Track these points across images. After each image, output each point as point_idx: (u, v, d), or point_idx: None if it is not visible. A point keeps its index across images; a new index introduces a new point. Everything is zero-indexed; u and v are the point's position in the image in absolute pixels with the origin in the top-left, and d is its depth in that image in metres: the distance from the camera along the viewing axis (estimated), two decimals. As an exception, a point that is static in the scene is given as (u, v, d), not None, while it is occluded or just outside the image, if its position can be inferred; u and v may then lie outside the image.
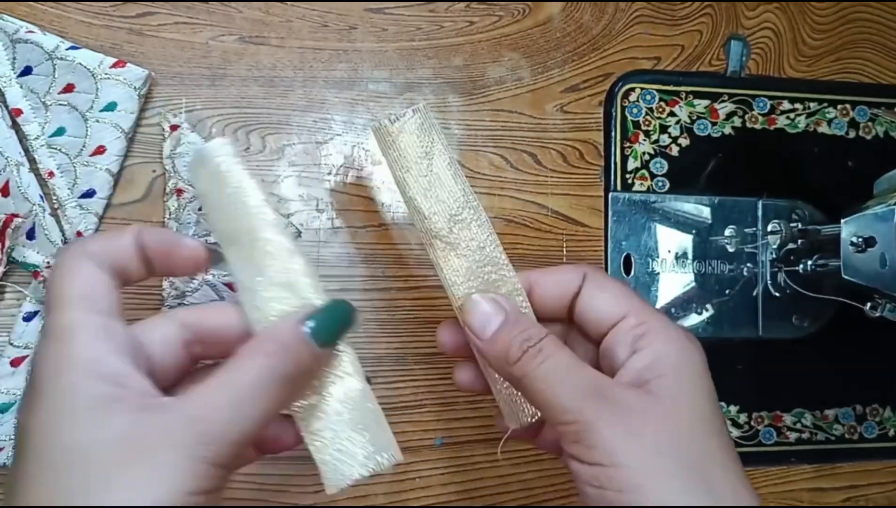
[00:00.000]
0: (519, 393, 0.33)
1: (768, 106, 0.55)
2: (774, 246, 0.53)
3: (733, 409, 0.52)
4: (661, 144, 0.53)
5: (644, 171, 0.52)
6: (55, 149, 0.43)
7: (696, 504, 0.26)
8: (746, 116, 0.54)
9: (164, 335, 0.29)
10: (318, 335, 0.29)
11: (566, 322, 0.35)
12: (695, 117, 0.54)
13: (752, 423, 0.53)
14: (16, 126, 0.43)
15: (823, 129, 0.56)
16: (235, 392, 0.26)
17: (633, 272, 0.52)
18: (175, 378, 0.30)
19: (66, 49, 0.43)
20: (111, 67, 0.44)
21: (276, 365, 0.27)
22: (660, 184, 0.53)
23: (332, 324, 0.30)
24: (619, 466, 0.26)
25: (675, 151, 0.53)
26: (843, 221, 0.47)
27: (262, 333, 0.29)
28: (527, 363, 0.30)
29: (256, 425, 0.27)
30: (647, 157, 0.53)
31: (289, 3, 0.48)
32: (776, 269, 0.53)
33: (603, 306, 0.32)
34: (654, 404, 0.28)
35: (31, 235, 0.43)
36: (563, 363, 0.30)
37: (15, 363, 0.42)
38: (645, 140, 0.53)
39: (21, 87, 0.43)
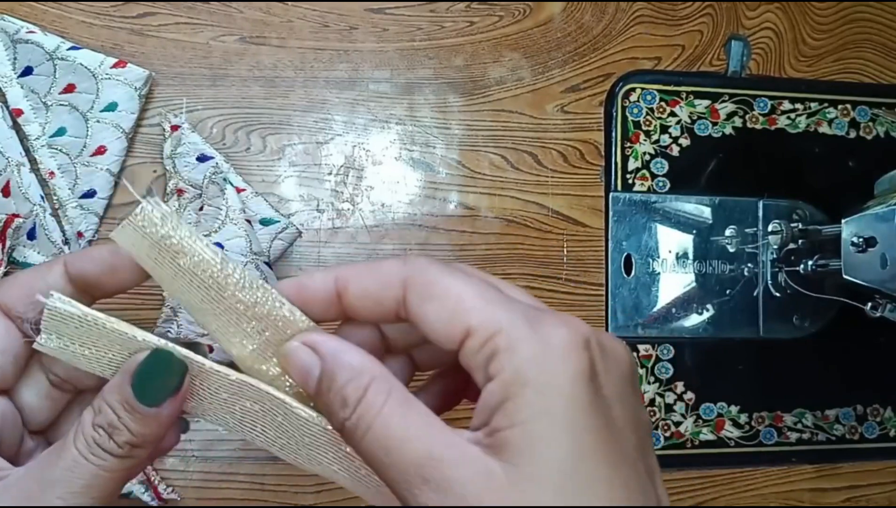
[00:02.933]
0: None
1: (769, 106, 0.55)
2: (775, 246, 0.53)
3: (734, 409, 0.52)
4: (662, 144, 0.53)
5: (645, 171, 0.52)
6: (56, 149, 0.43)
7: None
8: (747, 117, 0.54)
9: (34, 386, 0.28)
10: (146, 398, 0.25)
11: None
12: (695, 117, 0.54)
13: (753, 423, 0.53)
14: (16, 126, 0.43)
15: (824, 129, 0.55)
16: (66, 467, 0.25)
17: (633, 272, 0.52)
18: (49, 415, 0.28)
19: (67, 49, 0.43)
20: (112, 68, 0.44)
21: (103, 441, 0.25)
22: (660, 184, 0.53)
23: (157, 382, 0.25)
24: None
25: (675, 151, 0.53)
26: (843, 221, 0.47)
27: (98, 396, 0.26)
28: (353, 431, 0.23)
29: (97, 497, 0.25)
30: (647, 157, 0.53)
31: (289, 3, 0.48)
32: (777, 269, 0.53)
33: (435, 323, 0.23)
34: (497, 487, 0.21)
35: (31, 235, 0.43)
36: (390, 427, 0.23)
37: (16, 363, 0.42)
38: (645, 140, 0.53)
39: (22, 87, 0.43)
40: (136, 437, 0.25)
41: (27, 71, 0.43)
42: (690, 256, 0.53)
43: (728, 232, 0.53)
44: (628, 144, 0.52)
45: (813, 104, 0.55)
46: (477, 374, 0.23)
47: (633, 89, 0.53)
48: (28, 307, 0.26)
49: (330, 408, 0.24)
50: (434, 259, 0.25)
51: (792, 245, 0.53)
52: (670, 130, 0.53)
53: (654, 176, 0.53)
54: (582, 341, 0.22)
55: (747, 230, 0.53)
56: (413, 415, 0.23)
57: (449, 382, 0.28)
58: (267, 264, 0.44)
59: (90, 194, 0.44)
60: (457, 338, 0.23)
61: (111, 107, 0.44)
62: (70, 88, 0.43)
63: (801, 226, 0.52)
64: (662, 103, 0.53)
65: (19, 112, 0.43)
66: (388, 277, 0.25)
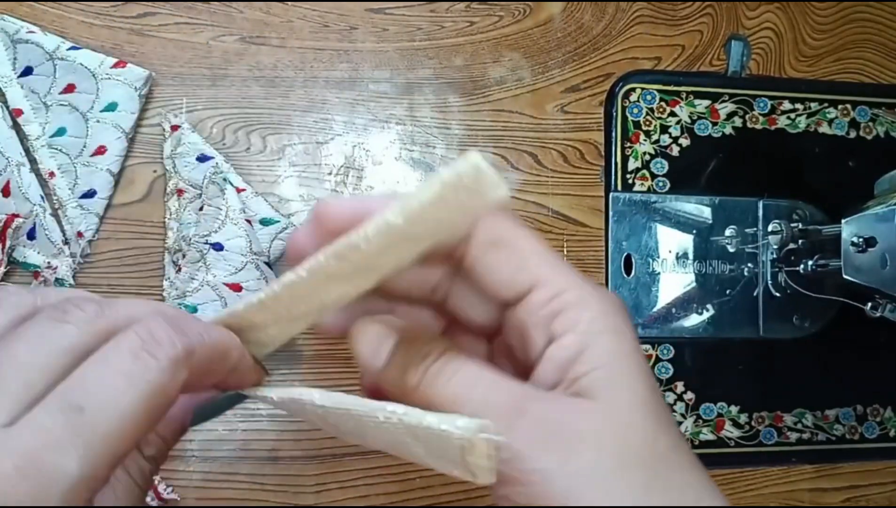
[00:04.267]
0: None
1: (769, 106, 0.55)
2: (775, 246, 0.53)
3: (734, 409, 0.52)
4: (662, 144, 0.53)
5: (645, 171, 0.52)
6: (56, 149, 0.43)
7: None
8: (747, 117, 0.54)
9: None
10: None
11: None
12: (695, 117, 0.54)
13: (753, 423, 0.53)
14: (16, 126, 0.43)
15: (824, 129, 0.55)
16: None
17: (633, 272, 0.52)
18: None
19: (67, 49, 0.43)
20: (112, 68, 0.44)
21: None
22: (660, 184, 0.53)
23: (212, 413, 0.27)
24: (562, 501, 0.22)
25: (675, 151, 0.53)
26: (843, 221, 0.47)
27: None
28: (430, 386, 0.24)
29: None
30: (647, 157, 0.53)
31: (290, 3, 0.48)
32: (777, 269, 0.53)
33: (501, 273, 0.24)
34: (590, 413, 0.22)
35: (31, 235, 0.43)
36: (472, 378, 0.23)
37: (16, 363, 0.42)
38: (645, 140, 0.53)
39: (22, 87, 0.43)
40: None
41: (27, 71, 0.43)
42: (690, 256, 0.53)
43: (728, 232, 0.53)
44: (628, 144, 0.52)
45: (813, 104, 0.55)
46: (535, 331, 0.24)
47: (633, 89, 0.53)
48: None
49: (404, 371, 0.24)
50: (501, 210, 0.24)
51: (792, 245, 0.53)
52: (670, 130, 0.53)
53: (654, 176, 0.53)
54: (623, 303, 0.25)
55: (747, 230, 0.53)
56: (495, 370, 0.24)
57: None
58: (267, 263, 0.44)
59: (90, 194, 0.44)
60: (522, 290, 0.24)
61: (111, 107, 0.44)
62: (70, 88, 0.43)
63: (801, 226, 0.52)
64: (662, 103, 0.53)
65: (19, 112, 0.43)
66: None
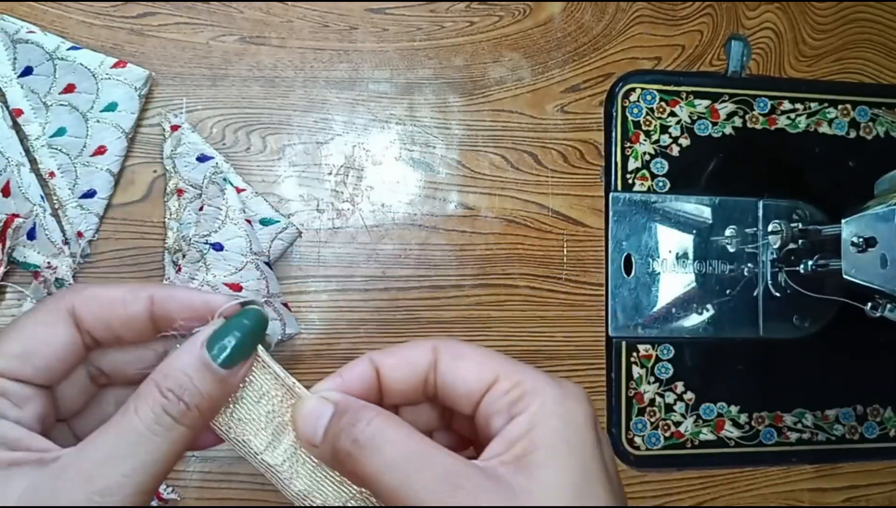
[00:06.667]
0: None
1: (769, 106, 0.55)
2: (775, 246, 0.53)
3: (734, 409, 0.52)
4: (662, 144, 0.53)
5: (645, 171, 0.52)
6: (56, 149, 0.43)
7: None
8: (747, 117, 0.54)
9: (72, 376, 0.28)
10: (221, 358, 0.26)
11: (431, 406, 0.30)
12: (695, 117, 0.54)
13: (753, 423, 0.53)
14: (16, 126, 0.43)
15: (824, 129, 0.55)
16: (129, 442, 0.25)
17: (633, 272, 0.52)
18: (80, 406, 0.29)
19: (67, 49, 0.43)
20: (112, 68, 0.44)
21: (172, 406, 0.25)
22: (660, 184, 0.53)
23: (235, 342, 0.26)
24: None
25: (675, 151, 0.53)
26: (843, 221, 0.47)
27: (160, 368, 0.26)
28: (360, 456, 0.25)
29: (158, 472, 0.25)
30: (647, 157, 0.53)
31: (289, 3, 0.48)
32: (777, 269, 0.53)
33: (468, 374, 0.27)
34: (527, 484, 0.24)
35: (31, 235, 0.43)
36: (406, 448, 0.25)
37: (16, 363, 0.42)
38: (645, 140, 0.53)
39: (22, 87, 0.43)
40: (207, 401, 0.25)
41: (27, 71, 0.43)
42: (690, 256, 0.53)
43: (728, 232, 0.53)
44: (628, 144, 0.52)
45: (813, 104, 0.55)
46: (497, 417, 0.26)
47: (633, 89, 0.53)
48: (188, 322, 0.27)
49: (336, 441, 0.26)
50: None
51: (792, 245, 0.53)
52: (670, 130, 0.53)
53: (654, 176, 0.53)
54: (586, 394, 0.27)
55: (747, 230, 0.53)
56: (426, 440, 0.25)
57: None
58: (267, 264, 0.44)
59: (90, 194, 0.44)
60: (484, 386, 0.27)
61: (111, 107, 0.44)
62: (70, 88, 0.43)
63: (801, 226, 0.52)
64: (662, 103, 0.53)
65: (19, 112, 0.43)
66: (419, 348, 0.28)
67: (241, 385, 0.27)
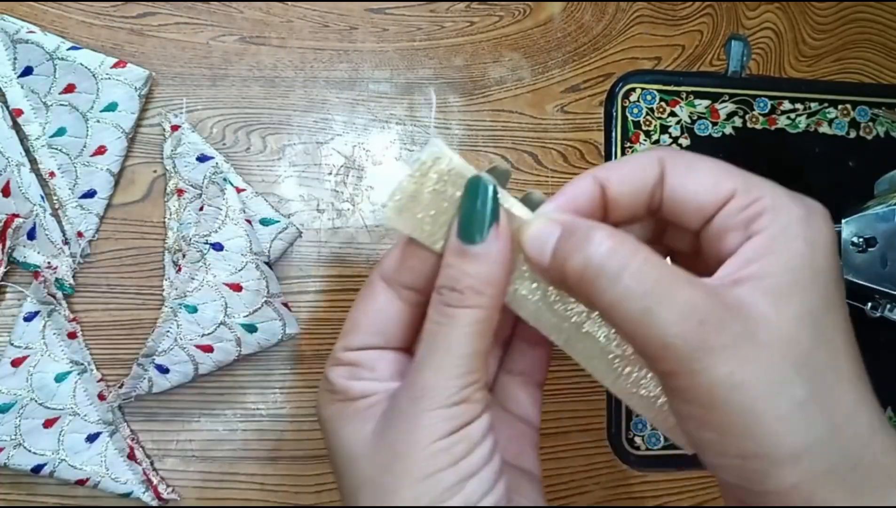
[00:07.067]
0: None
1: (769, 106, 0.55)
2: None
3: (734, 409, 0.52)
4: (662, 144, 0.53)
5: (645, 171, 0.52)
6: (56, 149, 0.43)
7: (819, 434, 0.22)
8: (747, 117, 0.54)
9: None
10: (463, 236, 0.26)
11: (653, 222, 0.29)
12: (695, 117, 0.54)
13: (753, 423, 0.52)
14: (17, 126, 0.43)
15: (824, 129, 0.55)
16: (429, 347, 0.26)
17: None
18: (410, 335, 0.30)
19: (67, 49, 0.43)
20: (112, 68, 0.44)
21: (447, 298, 0.26)
22: (660, 184, 0.53)
23: (464, 215, 0.26)
24: (732, 413, 0.22)
25: (675, 151, 0.53)
26: (843, 221, 0.47)
27: (438, 285, 0.27)
28: (595, 281, 0.24)
29: (470, 358, 0.26)
30: (647, 157, 0.53)
31: (289, 3, 0.48)
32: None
33: (700, 187, 0.26)
34: (769, 314, 0.23)
35: (31, 235, 0.43)
36: (644, 276, 0.23)
37: (15, 363, 0.42)
38: (646, 140, 0.53)
39: (22, 87, 0.43)
40: (473, 279, 0.25)
41: (27, 71, 0.43)
42: (690, 256, 0.53)
43: (728, 232, 0.53)
44: (628, 144, 0.52)
45: (813, 104, 0.55)
46: (732, 235, 0.25)
47: (633, 89, 0.53)
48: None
49: (566, 259, 0.25)
50: None
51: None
52: (670, 130, 0.53)
53: (654, 176, 0.53)
54: (828, 213, 0.25)
55: (747, 230, 0.53)
56: (664, 265, 0.24)
57: None
58: (267, 263, 0.44)
59: (90, 194, 0.44)
60: (720, 200, 0.25)
61: (111, 107, 0.44)
62: (70, 88, 0.43)
63: (801, 226, 0.52)
64: (662, 103, 0.53)
65: (19, 112, 0.43)
66: (645, 159, 0.27)
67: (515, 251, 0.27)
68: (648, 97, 0.53)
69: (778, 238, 0.24)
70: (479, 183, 0.26)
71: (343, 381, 0.28)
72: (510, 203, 0.27)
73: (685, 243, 0.29)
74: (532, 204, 0.28)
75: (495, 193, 0.26)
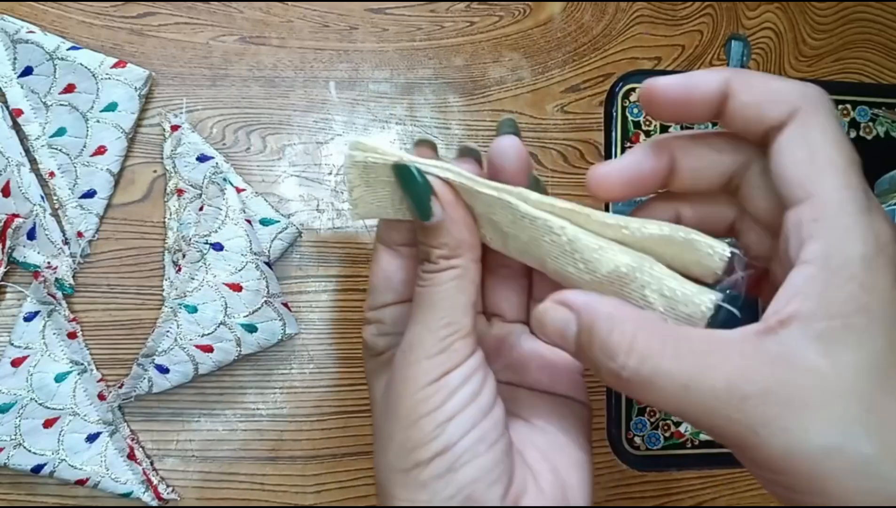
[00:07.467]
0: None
1: (769, 106, 0.55)
2: (775, 246, 0.53)
3: (734, 409, 0.52)
4: (662, 144, 0.53)
5: (645, 171, 0.52)
6: (56, 149, 0.43)
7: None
8: (747, 117, 0.54)
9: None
10: (421, 214, 0.28)
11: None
12: (695, 117, 0.54)
13: (753, 423, 0.52)
14: (16, 126, 0.43)
15: (824, 129, 0.55)
16: (417, 305, 0.29)
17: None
18: None
19: (67, 49, 0.43)
20: (112, 68, 0.44)
21: (424, 266, 0.29)
22: (660, 184, 0.53)
23: (412, 195, 0.28)
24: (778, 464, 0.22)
25: (675, 151, 0.53)
26: (843, 221, 0.47)
27: (419, 259, 0.30)
28: (630, 389, 0.24)
29: (457, 310, 0.28)
30: (647, 157, 0.53)
31: (289, 3, 0.48)
32: (777, 269, 0.53)
33: (796, 170, 0.24)
34: (824, 370, 0.21)
35: (31, 235, 0.43)
36: (678, 373, 0.23)
37: (15, 363, 0.42)
38: (646, 140, 0.53)
39: (22, 87, 0.43)
40: (439, 248, 0.28)
41: (27, 71, 0.43)
42: (690, 256, 0.53)
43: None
44: (628, 144, 0.52)
45: (813, 104, 0.55)
46: (793, 241, 0.23)
47: (634, 89, 0.53)
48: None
49: (596, 362, 0.25)
50: None
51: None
52: (670, 130, 0.53)
53: (654, 176, 0.52)
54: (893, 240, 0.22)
55: (747, 230, 0.53)
56: (695, 345, 0.24)
57: None
58: (267, 263, 0.44)
59: (90, 194, 0.44)
60: (794, 201, 0.24)
61: (111, 107, 0.44)
62: (70, 88, 0.43)
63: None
64: (662, 103, 0.53)
65: (19, 112, 0.43)
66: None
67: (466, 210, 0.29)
68: (648, 97, 0.53)
69: (831, 269, 0.22)
70: (401, 169, 0.29)
71: (372, 338, 0.32)
72: (436, 168, 0.29)
73: (763, 246, 0.28)
74: (471, 153, 0.31)
75: (419, 170, 0.28)
